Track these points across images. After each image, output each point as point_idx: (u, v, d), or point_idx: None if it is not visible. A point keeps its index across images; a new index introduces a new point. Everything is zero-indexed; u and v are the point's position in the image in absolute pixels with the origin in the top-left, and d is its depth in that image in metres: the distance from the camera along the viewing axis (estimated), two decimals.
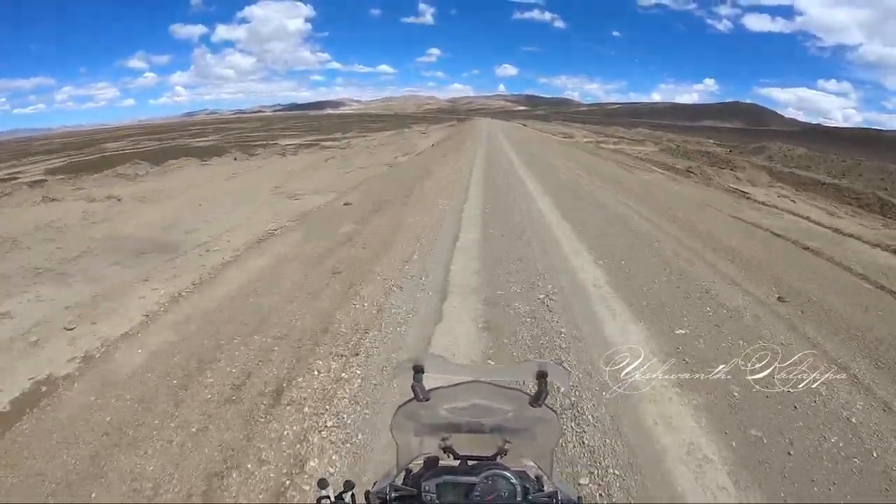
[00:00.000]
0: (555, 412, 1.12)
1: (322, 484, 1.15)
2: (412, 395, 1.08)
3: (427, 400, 1.08)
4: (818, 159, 32.37)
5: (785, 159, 33.41)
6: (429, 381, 1.09)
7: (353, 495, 1.17)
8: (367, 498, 1.11)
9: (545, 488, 1.13)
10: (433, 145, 28.77)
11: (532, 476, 1.14)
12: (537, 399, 1.05)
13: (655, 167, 19.71)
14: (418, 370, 1.08)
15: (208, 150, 26.73)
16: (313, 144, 30.05)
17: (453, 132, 46.82)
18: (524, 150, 25.06)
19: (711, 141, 46.18)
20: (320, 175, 15.05)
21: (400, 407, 1.10)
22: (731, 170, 21.29)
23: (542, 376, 1.06)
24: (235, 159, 20.44)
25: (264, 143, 32.57)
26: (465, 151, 23.86)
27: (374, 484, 1.15)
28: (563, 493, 1.09)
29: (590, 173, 16.13)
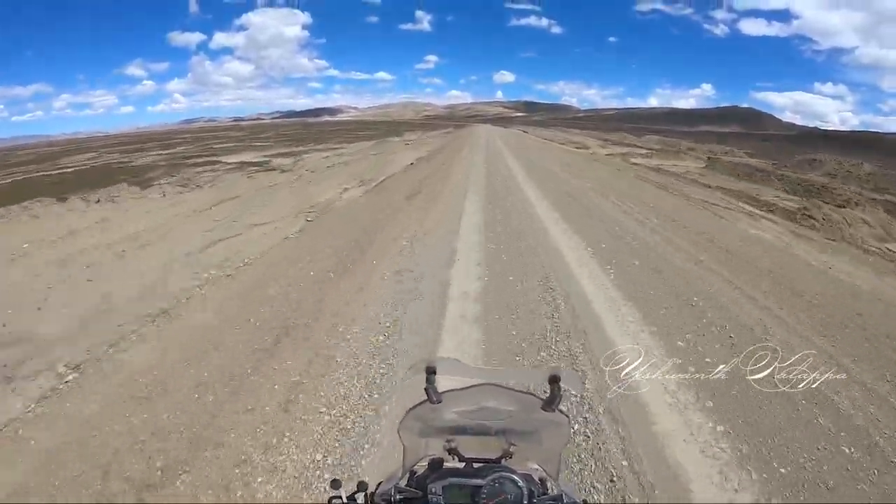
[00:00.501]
0: (567, 417, 1.11)
1: (335, 484, 1.11)
2: (425, 397, 1.05)
3: (440, 402, 1.05)
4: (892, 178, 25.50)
5: (849, 177, 26.24)
6: (442, 383, 1.06)
7: (365, 496, 1.11)
8: (371, 500, 1.08)
9: (550, 491, 1.10)
10: (412, 164, 21.41)
11: (536, 479, 1.10)
12: (551, 403, 1.04)
13: (750, 206, 12.18)
14: (431, 371, 1.05)
15: (120, 172, 19.92)
16: (257, 164, 22.53)
17: (447, 142, 38.99)
18: (540, 171, 18.27)
19: (742, 151, 38.60)
20: (142, 259, 7.52)
21: (411, 409, 1.08)
22: (844, 205, 13.95)
23: (554, 381, 1.04)
24: (98, 201, 12.96)
25: (206, 158, 25.38)
26: (454, 175, 16.55)
27: (379, 485, 1.13)
28: (569, 497, 1.07)
29: (671, 233, 8.57)
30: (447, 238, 8.19)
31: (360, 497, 1.11)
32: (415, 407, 1.08)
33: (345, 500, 1.10)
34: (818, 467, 2.95)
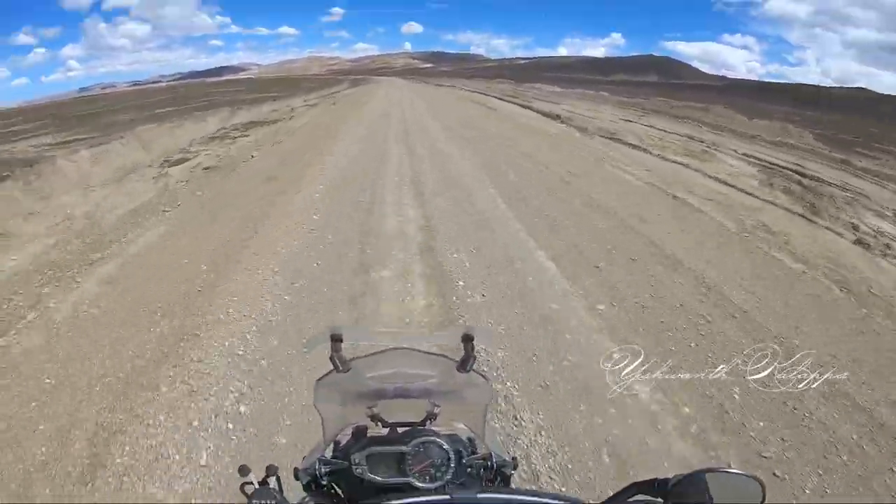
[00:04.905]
0: (483, 376, 1.07)
1: (243, 471, 1.00)
2: (331, 367, 1.00)
3: (348, 370, 1.00)
4: None
5: None
6: (348, 350, 1.00)
7: (277, 479, 1.02)
8: (295, 475, 1.01)
9: (479, 450, 1.05)
10: None
11: (464, 438, 1.05)
12: (464, 364, 1.00)
13: None
14: (336, 339, 0.99)
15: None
16: None
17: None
18: None
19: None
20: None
21: (319, 379, 1.03)
22: None
23: (468, 340, 0.99)
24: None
25: None
26: None
27: (303, 459, 1.06)
28: (497, 455, 1.03)
29: None
30: None
31: (272, 481, 1.00)
32: (323, 377, 1.02)
33: (256, 485, 0.97)
34: None
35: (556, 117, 19.76)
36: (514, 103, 28.14)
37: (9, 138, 17.66)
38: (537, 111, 23.21)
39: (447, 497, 0.84)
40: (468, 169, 10.10)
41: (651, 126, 17.64)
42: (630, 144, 13.21)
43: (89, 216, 7.57)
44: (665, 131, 16.06)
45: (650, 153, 12.03)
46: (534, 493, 0.91)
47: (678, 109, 26.23)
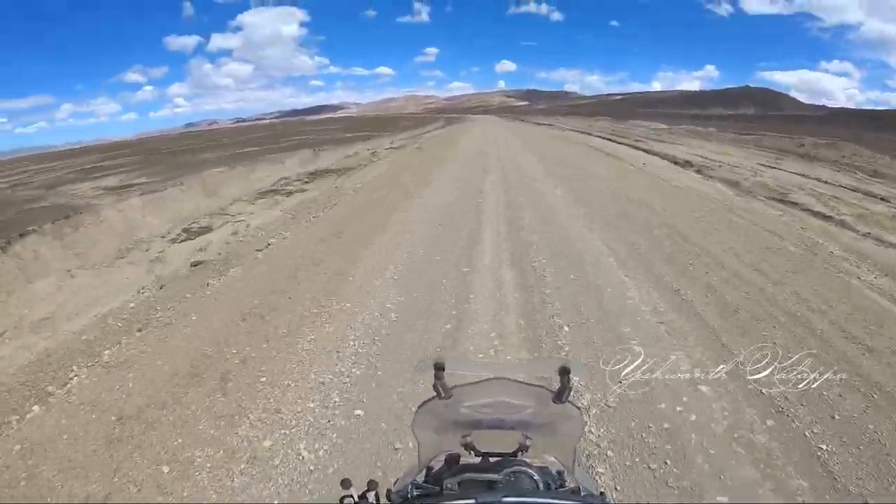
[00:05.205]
0: (578, 408, 1.09)
1: (345, 484, 1.06)
2: (434, 394, 1.04)
3: (449, 398, 1.04)
4: None
5: None
6: (450, 378, 1.04)
7: (376, 494, 1.05)
8: (388, 497, 1.00)
9: (567, 484, 1.05)
10: None
11: (554, 472, 1.06)
12: (560, 396, 1.01)
13: None
14: (439, 368, 1.02)
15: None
16: None
17: None
18: None
19: None
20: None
21: (421, 405, 1.06)
22: None
23: (564, 372, 1.00)
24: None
25: None
26: None
27: (395, 482, 1.09)
28: (586, 489, 1.04)
29: None
30: None
31: (371, 496, 1.04)
32: (425, 403, 1.05)
33: (356, 499, 1.02)
34: None
35: (686, 164, 16.30)
36: (625, 144, 24.88)
37: (90, 175, 17.51)
38: (656, 154, 19.56)
39: (472, 501, 0.86)
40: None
41: (803, 175, 12.05)
42: (815, 213, 9.13)
43: (35, 329, 5.34)
44: (827, 182, 12.74)
45: (853, 229, 8.00)
46: (560, 497, 0.97)
47: (805, 148, 23.64)
